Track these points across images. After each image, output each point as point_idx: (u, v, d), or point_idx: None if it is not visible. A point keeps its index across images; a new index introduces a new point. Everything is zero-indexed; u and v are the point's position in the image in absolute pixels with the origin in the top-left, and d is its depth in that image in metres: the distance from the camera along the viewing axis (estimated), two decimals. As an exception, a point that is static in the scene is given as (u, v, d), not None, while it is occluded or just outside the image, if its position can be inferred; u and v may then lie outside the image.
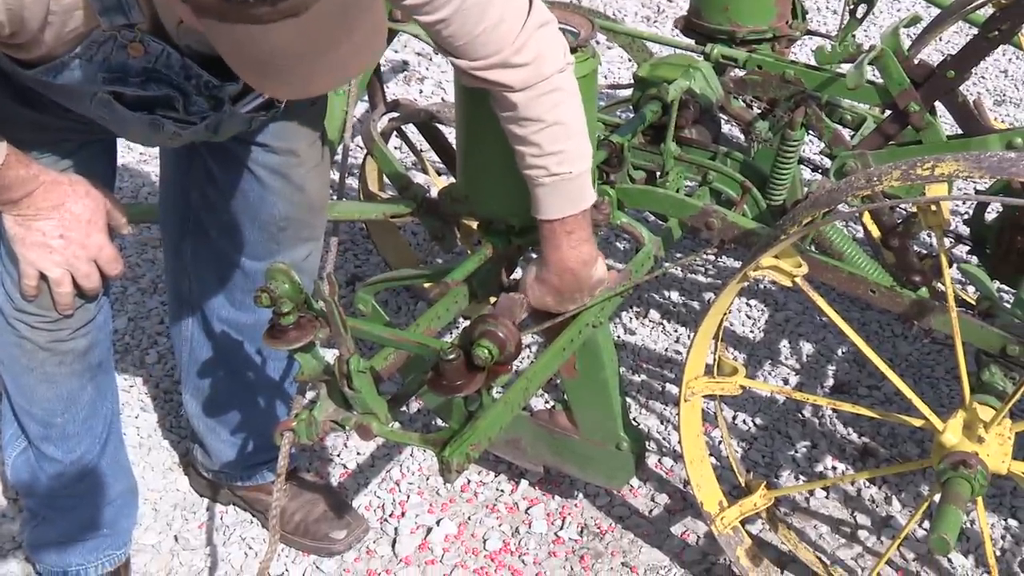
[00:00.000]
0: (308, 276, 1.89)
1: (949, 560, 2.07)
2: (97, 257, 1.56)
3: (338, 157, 2.33)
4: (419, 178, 3.22)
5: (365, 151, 2.51)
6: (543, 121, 1.55)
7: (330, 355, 1.54)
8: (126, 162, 3.53)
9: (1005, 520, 2.16)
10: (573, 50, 1.69)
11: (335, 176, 2.21)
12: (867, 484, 2.26)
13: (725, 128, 3.18)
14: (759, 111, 2.38)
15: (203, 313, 1.98)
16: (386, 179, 2.63)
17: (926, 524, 2.11)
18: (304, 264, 1.88)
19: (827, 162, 2.29)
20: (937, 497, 1.57)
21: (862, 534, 2.14)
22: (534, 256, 1.74)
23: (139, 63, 1.45)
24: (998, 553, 2.08)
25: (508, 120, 1.57)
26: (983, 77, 4.34)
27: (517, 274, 1.90)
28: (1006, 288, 2.44)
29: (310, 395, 2.10)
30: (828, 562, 2.03)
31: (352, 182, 3.13)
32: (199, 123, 1.57)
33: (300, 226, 1.86)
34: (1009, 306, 1.87)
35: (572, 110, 1.58)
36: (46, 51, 1.39)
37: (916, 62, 2.04)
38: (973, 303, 2.16)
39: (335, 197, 2.16)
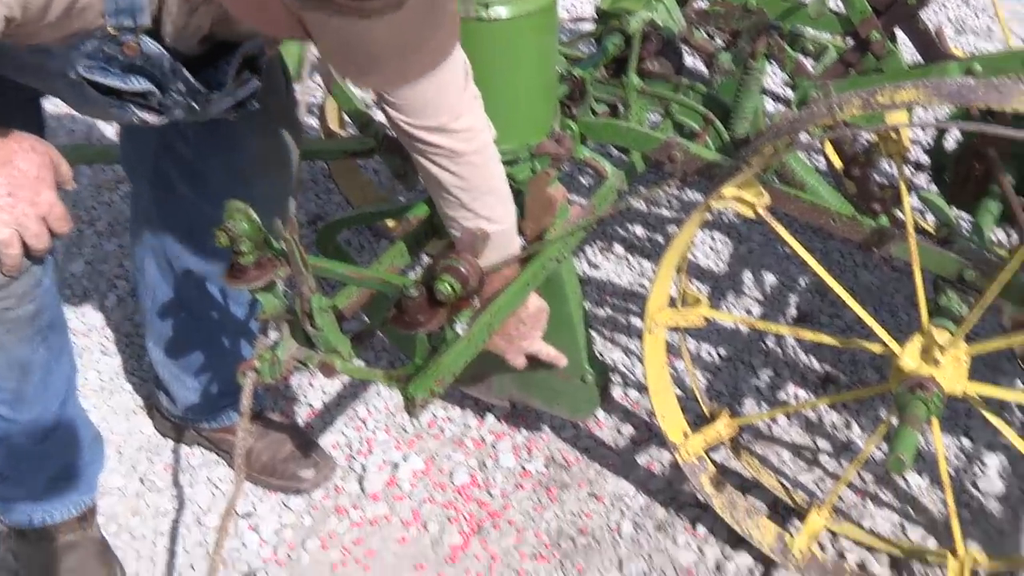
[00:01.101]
0: (282, 215, 1.86)
1: (906, 480, 2.11)
2: (47, 215, 1.48)
3: (298, 96, 2.30)
4: (380, 116, 3.18)
5: (325, 89, 2.47)
6: (478, 188, 1.60)
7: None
8: (79, 102, 3.45)
9: (959, 440, 2.21)
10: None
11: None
12: (828, 410, 2.30)
13: (688, 60, 3.16)
14: (721, 42, 2.36)
15: (168, 261, 1.96)
16: (346, 117, 2.60)
17: (885, 447, 2.16)
18: (276, 204, 1.86)
19: (790, 93, 2.29)
20: (895, 420, 1.60)
21: (823, 458, 2.18)
22: None
23: (128, 59, 1.41)
24: (952, 472, 2.13)
25: (445, 185, 1.59)
26: (944, 6, 4.34)
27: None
28: (965, 216, 2.47)
29: (274, 336, 2.10)
30: (790, 486, 2.07)
31: (312, 121, 3.09)
32: (168, 116, 1.53)
33: (270, 168, 1.85)
34: (967, 232, 1.89)
35: (501, 176, 1.66)
36: (37, 41, 1.35)
37: (877, -10, 2.03)
38: (932, 231, 2.18)
39: (294, 135, 2.13)
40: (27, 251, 1.49)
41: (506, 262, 1.70)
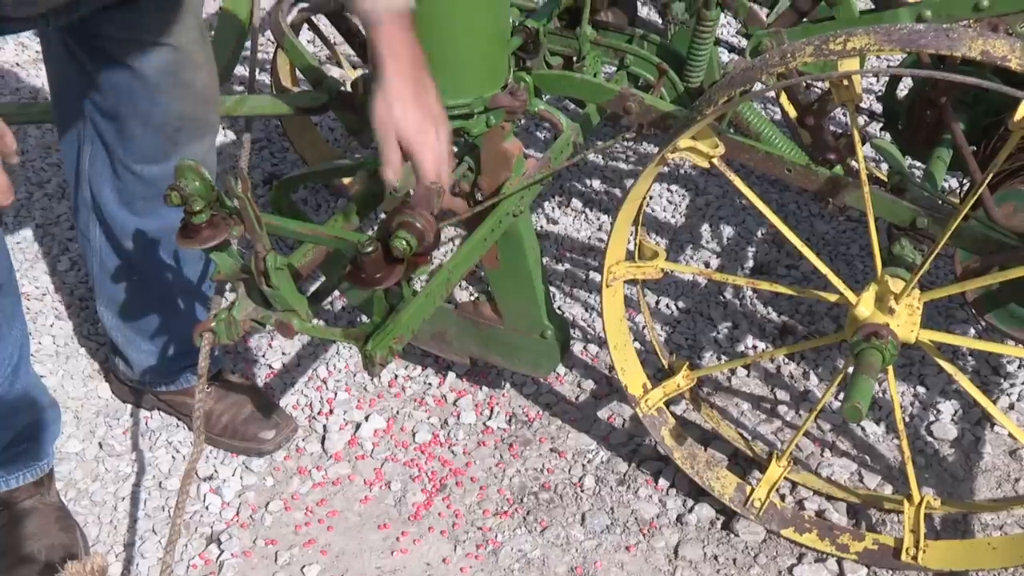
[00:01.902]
0: (209, 171, 1.83)
1: (862, 428, 2.14)
2: None
3: (247, 52, 2.26)
4: (333, 71, 3.14)
5: (275, 45, 2.43)
6: None
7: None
8: (21, 60, 3.37)
9: (914, 388, 2.24)
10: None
11: (245, 72, 2.14)
12: (786, 361, 2.32)
13: (641, 10, 3.14)
14: (675, -8, 2.35)
15: (107, 223, 1.92)
16: (299, 73, 2.56)
17: (842, 396, 2.18)
18: (204, 160, 1.83)
19: (744, 43, 2.28)
20: (851, 369, 1.62)
21: (781, 409, 2.20)
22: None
23: None
24: (907, 419, 2.16)
25: None
26: (897, -45, 4.34)
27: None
28: (917, 164, 2.48)
29: (230, 296, 2.07)
30: (749, 438, 2.09)
31: (264, 77, 3.04)
32: None
33: (195, 123, 1.81)
34: (919, 180, 1.90)
35: None
36: None
37: (829, -63, 2.02)
38: (885, 179, 2.20)
39: (247, 92, 2.10)
40: None
41: None
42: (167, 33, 1.69)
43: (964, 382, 1.67)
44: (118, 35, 1.66)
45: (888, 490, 2.01)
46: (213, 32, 2.25)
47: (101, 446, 2.15)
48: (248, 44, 2.13)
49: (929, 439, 2.11)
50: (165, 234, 1.90)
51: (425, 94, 1.51)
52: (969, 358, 2.28)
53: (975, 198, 1.51)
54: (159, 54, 1.70)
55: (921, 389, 2.23)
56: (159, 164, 1.81)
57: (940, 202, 1.75)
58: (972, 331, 2.35)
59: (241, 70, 3.21)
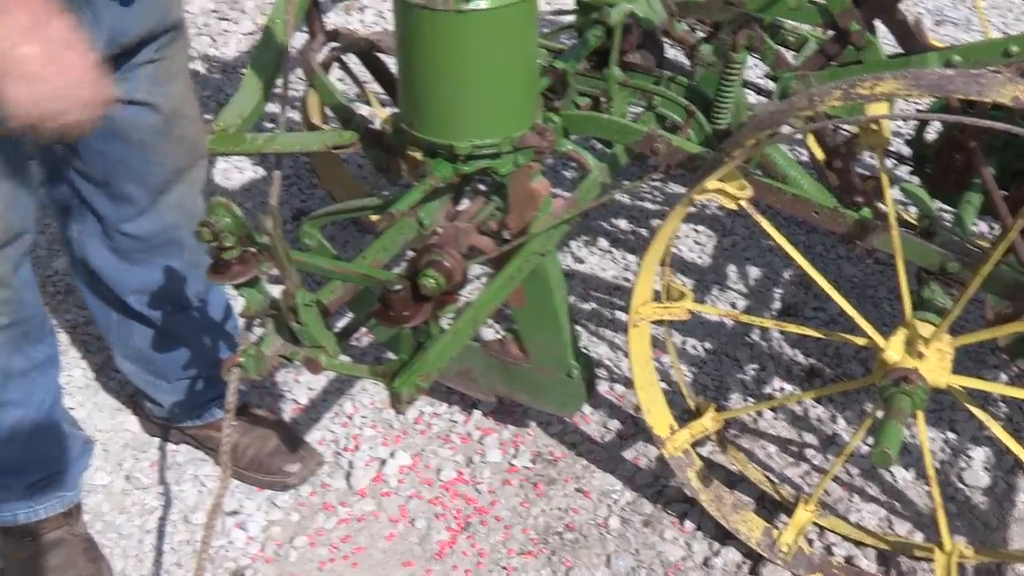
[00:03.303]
0: (197, 212, 1.84)
1: (891, 474, 2.12)
2: (86, 79, 1.30)
3: (279, 89, 2.29)
4: (362, 109, 3.18)
5: (306, 83, 2.46)
6: None
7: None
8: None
9: (944, 433, 2.21)
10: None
11: (277, 108, 2.17)
12: (813, 404, 2.30)
13: (669, 52, 3.16)
14: (702, 34, 2.36)
15: (105, 283, 1.94)
16: (328, 111, 2.59)
17: (870, 440, 2.16)
18: (191, 201, 1.86)
19: (771, 85, 2.29)
20: (880, 413, 1.60)
21: (809, 452, 2.19)
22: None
23: None
24: (937, 465, 2.14)
25: None
26: (923, -3, 4.35)
27: (463, 204, 1.88)
28: (946, 207, 2.47)
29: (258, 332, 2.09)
30: (776, 481, 2.07)
31: (294, 115, 3.08)
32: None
33: (186, 173, 1.84)
34: (949, 224, 1.89)
35: None
36: None
37: (857, -19, 2.03)
38: (914, 223, 2.19)
39: (276, 130, 2.13)
40: (68, 127, 1.33)
41: None
42: (159, 95, 1.71)
43: (996, 429, 1.66)
44: (125, 96, 1.66)
45: (919, 537, 1.99)
46: (247, 69, 2.29)
47: (128, 479, 2.17)
48: (279, 82, 2.17)
49: (960, 486, 2.09)
50: (173, 281, 1.92)
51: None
52: (1001, 404, 2.25)
53: (1007, 244, 1.51)
54: (152, 117, 1.71)
55: (952, 435, 2.20)
56: (151, 219, 1.83)
57: (970, 246, 1.74)
58: (1004, 377, 2.32)
59: (272, 107, 3.25)
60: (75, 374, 2.42)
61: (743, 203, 1.65)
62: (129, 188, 1.78)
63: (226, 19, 4.00)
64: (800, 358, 2.43)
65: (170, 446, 2.23)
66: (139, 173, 1.77)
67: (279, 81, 2.14)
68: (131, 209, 1.81)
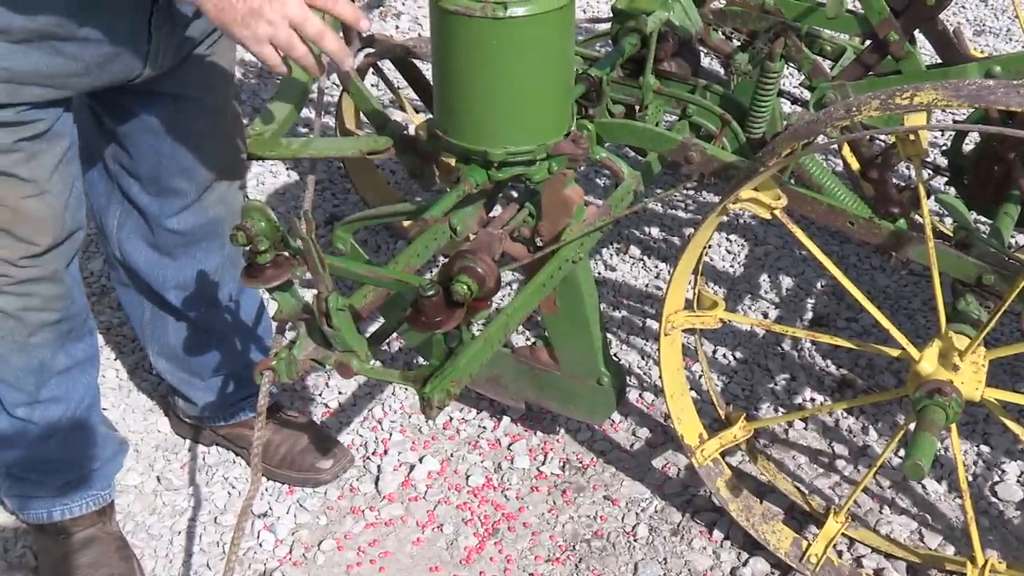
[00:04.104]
0: (236, 209, 1.88)
1: (923, 486, 2.11)
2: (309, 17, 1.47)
3: (314, 95, 2.30)
4: (396, 115, 3.19)
5: (341, 88, 2.48)
6: None
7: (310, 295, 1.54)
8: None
9: (977, 447, 2.19)
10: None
11: (312, 114, 2.19)
12: (844, 415, 2.29)
13: (704, 61, 3.16)
14: (738, 43, 2.36)
15: (143, 279, 1.97)
16: (363, 117, 2.61)
17: (902, 452, 2.15)
18: (232, 197, 1.90)
19: (807, 94, 2.29)
20: (912, 425, 1.59)
21: (839, 463, 2.17)
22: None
23: None
24: (970, 478, 2.12)
25: None
26: (963, 7, 4.32)
27: (496, 211, 1.89)
28: (983, 219, 2.45)
29: (290, 335, 2.11)
30: (806, 491, 2.07)
31: (329, 120, 3.10)
32: None
33: (230, 171, 1.88)
34: (985, 236, 1.88)
35: None
36: None
37: (896, -9, 2.03)
38: (950, 234, 2.17)
39: (311, 135, 2.14)
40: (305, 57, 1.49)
41: None
42: (209, 92, 1.76)
43: None
44: (167, 94, 1.72)
45: (950, 551, 1.97)
46: (280, 79, 2.30)
47: (159, 480, 2.19)
48: (315, 88, 2.18)
49: (993, 500, 2.07)
50: (209, 278, 1.95)
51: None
52: (1035, 418, 2.24)
53: None
54: (201, 112, 1.76)
55: (985, 448, 2.18)
56: (195, 213, 1.87)
57: (1007, 258, 1.73)
58: (1038, 390, 2.31)
59: (307, 112, 3.28)
60: (108, 375, 2.45)
61: (777, 213, 1.65)
62: (179, 182, 1.82)
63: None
64: (832, 369, 2.42)
65: (201, 448, 2.26)
66: (189, 168, 1.81)
67: (314, 86, 2.16)
68: (177, 203, 1.85)
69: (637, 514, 2.08)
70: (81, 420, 1.83)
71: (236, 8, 1.42)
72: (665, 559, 1.99)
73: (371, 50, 2.52)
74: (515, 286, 2.66)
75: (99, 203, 1.93)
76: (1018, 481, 2.10)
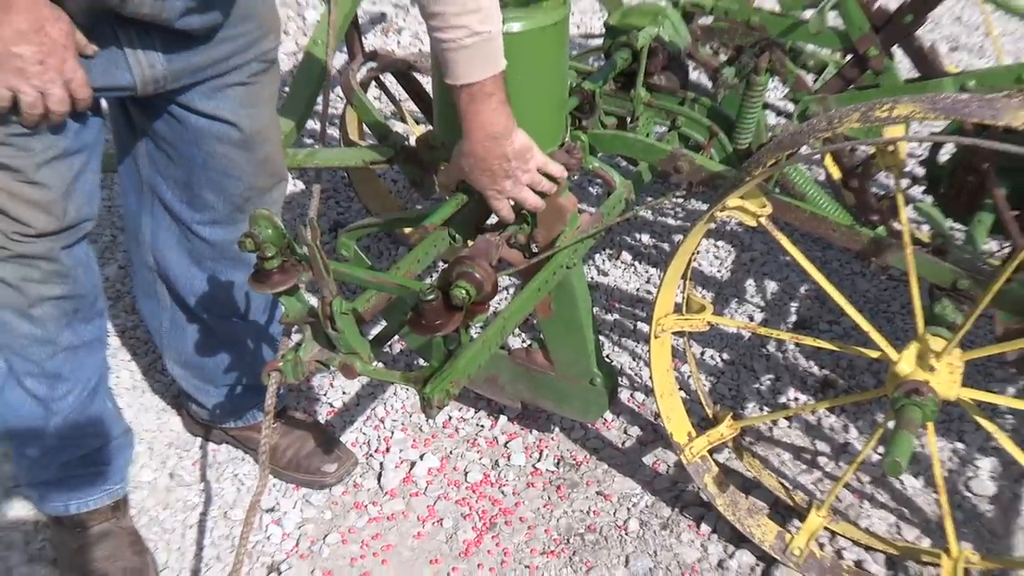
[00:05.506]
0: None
1: (901, 482, 2.17)
2: (71, 81, 1.49)
3: (319, 107, 2.36)
4: (398, 127, 3.26)
5: (345, 101, 2.53)
6: None
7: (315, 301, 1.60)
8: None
9: (953, 444, 2.26)
10: (544, -1, 1.74)
11: (317, 125, 2.24)
12: (827, 414, 2.35)
13: (693, 74, 3.22)
14: (725, 57, 2.42)
15: (173, 284, 2.01)
16: (366, 128, 2.66)
17: (881, 449, 2.22)
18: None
19: (791, 107, 2.35)
20: (891, 424, 1.64)
21: (821, 460, 2.24)
22: None
23: None
24: (946, 474, 2.19)
25: None
26: (938, 24, 4.39)
27: (493, 218, 1.95)
28: (958, 226, 2.52)
29: (296, 338, 2.16)
30: (790, 487, 2.13)
31: (333, 131, 3.16)
32: None
33: (264, 192, 1.90)
34: (960, 243, 1.94)
35: None
36: None
37: (875, 8, 2.09)
38: (927, 241, 2.24)
39: (316, 146, 2.20)
40: (45, 114, 1.51)
41: None
42: (244, 117, 1.79)
43: (1003, 440, 1.69)
44: (209, 110, 1.75)
45: (926, 543, 2.03)
46: (289, 87, 2.37)
47: (172, 476, 2.25)
48: (319, 100, 2.24)
49: (967, 494, 2.14)
50: (231, 291, 1.99)
51: (495, 159, 1.68)
52: (1008, 416, 2.31)
53: (1016, 262, 1.54)
54: (235, 135, 1.79)
55: (960, 445, 2.26)
56: (226, 229, 1.91)
57: (981, 264, 1.78)
58: (1011, 390, 2.38)
59: (312, 124, 3.33)
60: (123, 376, 2.51)
61: (763, 220, 1.70)
62: (208, 195, 1.86)
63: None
64: (815, 369, 2.49)
65: (211, 445, 2.32)
66: (217, 183, 1.84)
67: (319, 99, 2.20)
68: (209, 214, 1.89)
69: (628, 509, 2.15)
70: (88, 399, 1.85)
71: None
72: (655, 552, 2.05)
73: (374, 64, 2.58)
74: (512, 290, 2.72)
75: (131, 211, 1.96)
76: (991, 476, 2.17)
